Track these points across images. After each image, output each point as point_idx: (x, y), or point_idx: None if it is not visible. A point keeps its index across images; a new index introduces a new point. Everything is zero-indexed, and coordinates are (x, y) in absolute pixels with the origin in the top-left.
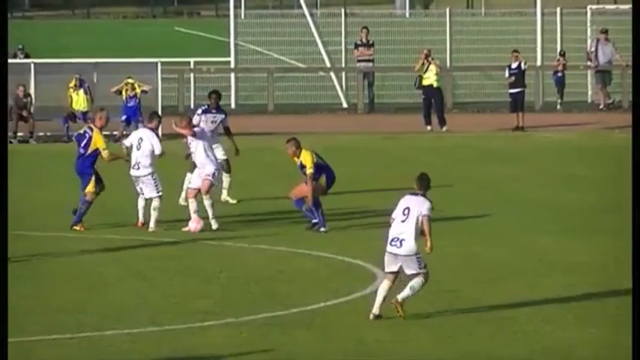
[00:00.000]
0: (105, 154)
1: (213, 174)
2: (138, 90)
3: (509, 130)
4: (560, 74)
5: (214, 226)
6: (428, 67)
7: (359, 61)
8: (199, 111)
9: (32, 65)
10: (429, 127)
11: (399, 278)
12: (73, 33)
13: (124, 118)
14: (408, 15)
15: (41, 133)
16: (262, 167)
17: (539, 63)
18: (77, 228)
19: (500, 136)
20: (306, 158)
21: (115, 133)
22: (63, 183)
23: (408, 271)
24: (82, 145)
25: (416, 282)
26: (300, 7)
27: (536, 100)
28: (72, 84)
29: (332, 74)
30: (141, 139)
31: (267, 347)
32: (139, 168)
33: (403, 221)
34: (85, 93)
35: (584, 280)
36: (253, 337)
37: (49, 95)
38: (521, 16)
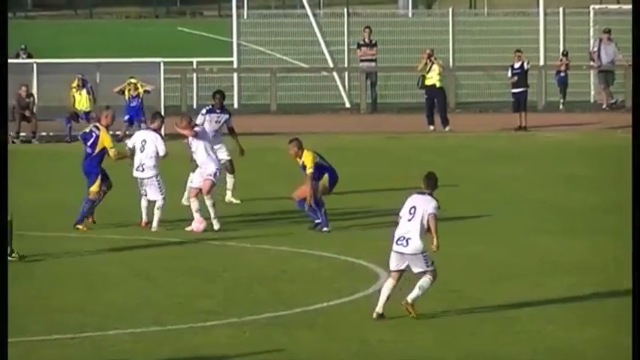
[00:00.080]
0: (112, 152)
1: (215, 174)
2: (140, 90)
3: (511, 130)
4: (562, 74)
5: (216, 226)
6: (431, 67)
7: (362, 60)
8: (203, 111)
9: (35, 65)
10: (431, 127)
11: (403, 277)
12: (75, 33)
13: (126, 118)
14: (410, 15)
15: (44, 133)
16: (265, 167)
17: (541, 63)
18: (80, 227)
19: (502, 136)
20: (307, 158)
21: (117, 133)
22: (65, 183)
23: (416, 270)
24: (89, 144)
25: (424, 281)
26: (302, 6)
27: (538, 100)
28: (74, 84)
29: (335, 74)
30: (144, 140)
31: (270, 347)
32: (143, 170)
33: (409, 220)
34: (88, 93)
35: (586, 280)
36: (256, 337)
37: (51, 95)
38: (523, 16)
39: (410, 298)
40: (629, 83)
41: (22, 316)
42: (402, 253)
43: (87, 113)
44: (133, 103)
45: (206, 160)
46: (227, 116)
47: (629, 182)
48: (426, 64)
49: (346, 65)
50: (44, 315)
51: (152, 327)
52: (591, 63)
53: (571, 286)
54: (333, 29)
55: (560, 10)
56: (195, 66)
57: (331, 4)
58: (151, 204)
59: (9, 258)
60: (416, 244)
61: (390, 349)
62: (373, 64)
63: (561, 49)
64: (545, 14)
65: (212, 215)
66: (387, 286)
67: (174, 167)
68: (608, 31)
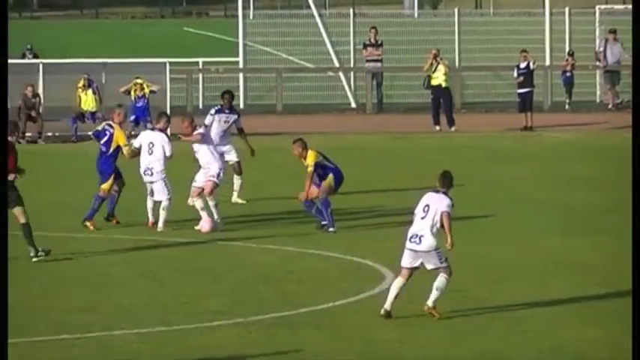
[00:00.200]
0: (126, 150)
1: (218, 175)
2: (146, 90)
3: (517, 130)
4: (568, 74)
5: (219, 226)
6: (436, 67)
7: (367, 61)
8: (212, 111)
9: (41, 65)
10: (437, 127)
11: (413, 276)
12: (81, 33)
13: (132, 118)
14: (416, 15)
15: (50, 134)
16: (271, 167)
17: (547, 63)
18: (88, 224)
19: (508, 136)
20: (309, 158)
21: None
22: (72, 183)
23: (429, 266)
24: (103, 142)
25: (440, 282)
26: (308, 7)
27: (544, 100)
28: (80, 84)
29: (341, 74)
30: (152, 143)
31: (276, 347)
32: (152, 174)
33: (423, 218)
34: (94, 93)
35: (592, 280)
36: (262, 337)
37: (57, 95)
38: (529, 16)
39: (430, 301)
40: None
41: (28, 317)
42: (415, 251)
43: (93, 113)
44: (139, 104)
45: (209, 160)
46: (236, 117)
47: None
48: (431, 64)
49: (352, 65)
50: (50, 315)
51: (158, 327)
52: (597, 63)
53: (576, 285)
54: (339, 29)
55: (566, 10)
56: (201, 66)
57: (337, 4)
58: (157, 204)
59: (34, 259)
60: (429, 241)
61: (396, 349)
62: (379, 64)
63: (567, 49)
64: (551, 14)
65: (215, 216)
66: (396, 285)
67: (178, 167)
68: (614, 31)
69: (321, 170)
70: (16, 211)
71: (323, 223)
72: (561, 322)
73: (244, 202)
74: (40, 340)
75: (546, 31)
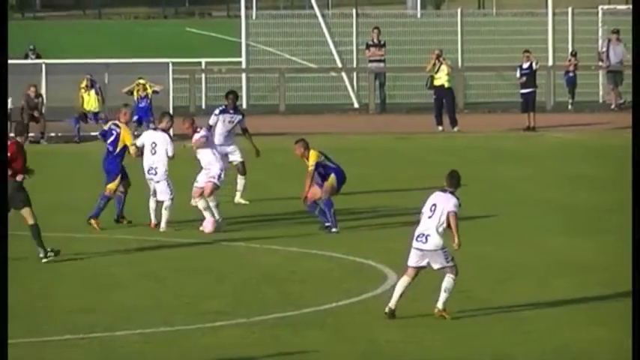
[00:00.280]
0: (132, 149)
1: (218, 176)
2: (149, 90)
3: (520, 131)
4: (571, 74)
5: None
6: (439, 68)
7: (370, 61)
8: (217, 111)
9: (43, 66)
10: (440, 128)
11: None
12: (84, 33)
13: (135, 118)
14: (419, 15)
15: (52, 134)
16: (274, 168)
17: (550, 63)
18: (93, 222)
19: (511, 137)
20: (311, 158)
21: None
22: (75, 183)
23: (436, 266)
24: (110, 142)
25: (447, 282)
26: (311, 7)
27: (547, 101)
28: (83, 84)
29: (343, 74)
30: (154, 143)
31: (279, 347)
32: (156, 173)
33: (429, 217)
34: (97, 93)
35: (595, 280)
36: (265, 337)
37: (60, 96)
38: (532, 17)
39: (440, 304)
40: None
41: (30, 317)
42: (421, 250)
43: (95, 114)
44: (142, 104)
45: (211, 161)
46: (240, 117)
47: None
48: (434, 64)
49: (355, 66)
50: (53, 315)
51: (161, 327)
52: (600, 63)
53: (579, 286)
54: (342, 30)
55: (569, 10)
56: (203, 66)
57: (340, 4)
58: (159, 205)
59: (44, 260)
60: (435, 240)
61: (399, 349)
62: (382, 64)
63: (570, 50)
64: (554, 14)
65: (216, 216)
66: (402, 284)
67: (181, 167)
68: (617, 32)
69: (323, 170)
70: (25, 212)
71: (327, 225)
72: (565, 323)
73: (247, 202)
74: (43, 341)
75: (549, 32)
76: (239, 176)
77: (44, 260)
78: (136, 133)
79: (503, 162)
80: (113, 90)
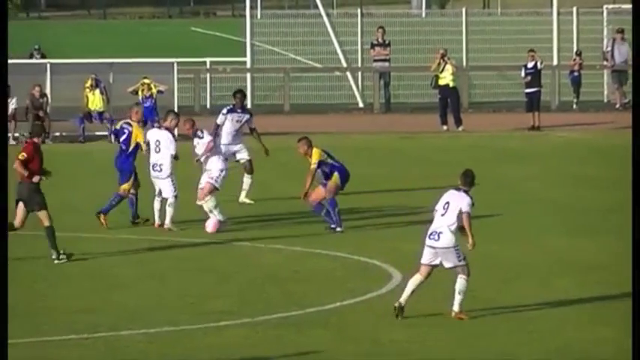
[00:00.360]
0: (144, 147)
1: (217, 178)
2: (154, 90)
3: (525, 130)
4: (576, 74)
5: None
6: (444, 67)
7: (375, 60)
8: (224, 110)
9: (48, 65)
10: (445, 127)
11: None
12: (89, 33)
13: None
14: (424, 15)
15: (57, 134)
16: (278, 167)
17: (555, 62)
18: (101, 218)
19: (516, 136)
20: (314, 156)
21: None
22: (79, 183)
23: (447, 265)
24: (122, 140)
25: (460, 284)
26: (316, 7)
27: (552, 100)
28: (88, 84)
29: (348, 74)
30: (158, 141)
31: (283, 347)
32: (160, 170)
33: (442, 215)
34: (101, 93)
35: (599, 280)
36: (269, 337)
37: (65, 95)
38: (537, 16)
39: (456, 306)
40: None
41: (35, 317)
42: (434, 247)
43: (100, 113)
44: (147, 104)
45: (213, 162)
46: (248, 116)
47: None
48: (439, 64)
49: (359, 65)
50: (58, 315)
51: (165, 327)
52: (604, 63)
53: (584, 285)
54: (347, 29)
55: (574, 9)
56: (208, 66)
57: (344, 4)
58: (164, 206)
59: (56, 261)
60: (447, 238)
61: (403, 349)
62: (387, 64)
63: (575, 49)
64: (559, 14)
65: (218, 216)
66: (414, 281)
67: (185, 167)
68: (622, 31)
69: (326, 168)
70: (41, 214)
71: (332, 226)
72: (569, 322)
73: (252, 202)
74: (47, 340)
75: (554, 31)
76: (245, 175)
77: (56, 262)
78: None
79: (507, 161)
80: (118, 90)
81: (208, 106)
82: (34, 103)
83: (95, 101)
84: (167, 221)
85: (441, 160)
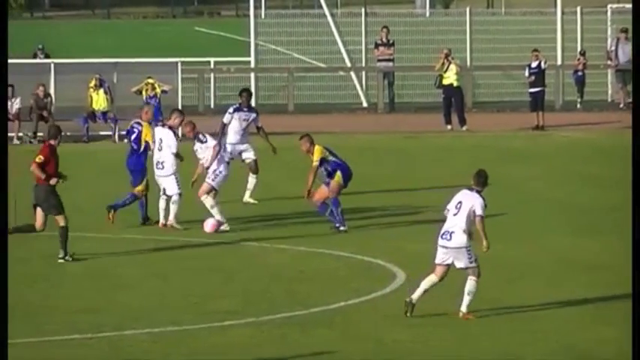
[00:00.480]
0: (152, 146)
1: (215, 177)
2: (158, 90)
3: (529, 130)
4: (580, 73)
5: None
6: (448, 67)
7: (379, 60)
8: (230, 109)
9: (52, 65)
10: (449, 127)
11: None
12: (93, 33)
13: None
14: (428, 14)
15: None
16: (283, 167)
17: (559, 62)
18: (110, 213)
19: (520, 136)
20: (316, 153)
21: None
22: (83, 183)
23: (459, 265)
24: (133, 139)
25: (470, 285)
26: (320, 6)
27: (556, 99)
28: (92, 84)
29: (352, 74)
30: (161, 139)
31: (287, 347)
32: (163, 168)
33: (455, 215)
34: (105, 93)
35: (603, 279)
36: (273, 336)
37: (69, 95)
38: (541, 16)
39: (464, 307)
40: None
41: (40, 316)
42: (446, 247)
43: (104, 113)
44: (151, 103)
45: (217, 161)
46: (255, 115)
47: None
48: (443, 63)
49: (364, 65)
50: (62, 315)
51: (169, 327)
52: (609, 62)
53: (588, 285)
54: (351, 29)
55: (578, 9)
56: (212, 66)
57: (349, 3)
58: (169, 205)
59: (60, 260)
60: (459, 238)
61: (407, 348)
62: (391, 63)
63: (579, 49)
64: (563, 13)
65: (217, 216)
66: (428, 280)
67: (190, 167)
68: (626, 31)
69: (329, 166)
70: (58, 218)
71: (336, 225)
72: (573, 322)
73: (256, 202)
74: (51, 340)
75: (558, 31)
76: (250, 175)
77: (60, 261)
78: None
79: (512, 161)
80: (122, 89)
81: (212, 105)
82: (38, 103)
83: (99, 101)
84: (171, 218)
85: (445, 160)
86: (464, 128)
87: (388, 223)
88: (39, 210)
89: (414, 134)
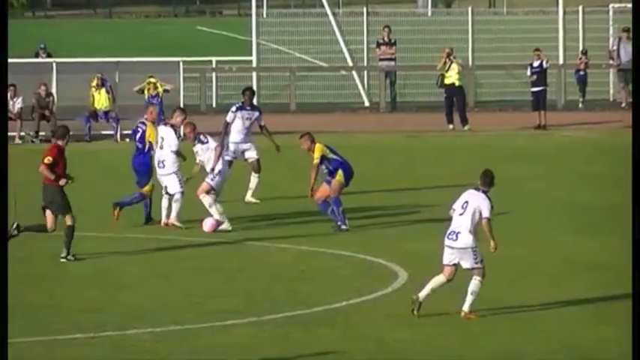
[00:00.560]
0: (155, 146)
1: (213, 177)
2: (160, 89)
3: (531, 129)
4: (582, 72)
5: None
6: (450, 66)
7: (381, 59)
8: (233, 108)
9: (54, 64)
10: (451, 126)
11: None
12: (95, 32)
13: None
14: (430, 14)
15: None
16: (284, 166)
17: (561, 61)
18: (116, 210)
19: (522, 135)
20: (317, 151)
21: None
22: (85, 183)
23: (465, 265)
24: (138, 138)
25: (474, 285)
26: (322, 5)
27: (558, 99)
28: (94, 83)
29: (354, 73)
30: (162, 138)
31: (289, 346)
32: (164, 166)
33: (461, 215)
34: (107, 92)
35: (605, 279)
36: (275, 336)
37: (70, 94)
38: (543, 15)
39: (466, 307)
40: None
41: (42, 316)
42: (452, 247)
43: (106, 112)
44: (153, 103)
45: (213, 162)
46: (257, 114)
47: None
48: (445, 63)
49: (365, 64)
50: (65, 314)
51: (171, 326)
52: (610, 61)
53: (590, 285)
54: (353, 28)
55: (580, 8)
56: (214, 65)
57: (350, 3)
58: (171, 204)
59: (62, 259)
60: (465, 238)
61: (409, 348)
62: (392, 63)
63: (580, 48)
64: (565, 13)
65: (216, 215)
66: (436, 280)
67: (190, 167)
68: (627, 30)
69: (330, 164)
70: (66, 217)
71: (338, 223)
72: (575, 322)
73: (257, 201)
74: (53, 339)
75: (560, 30)
76: (253, 174)
77: (62, 260)
78: None
79: (513, 160)
80: (124, 89)
81: (214, 105)
82: (40, 103)
83: (101, 100)
84: (172, 216)
85: (446, 159)
86: (466, 128)
87: (390, 222)
88: (48, 211)
89: (416, 134)
